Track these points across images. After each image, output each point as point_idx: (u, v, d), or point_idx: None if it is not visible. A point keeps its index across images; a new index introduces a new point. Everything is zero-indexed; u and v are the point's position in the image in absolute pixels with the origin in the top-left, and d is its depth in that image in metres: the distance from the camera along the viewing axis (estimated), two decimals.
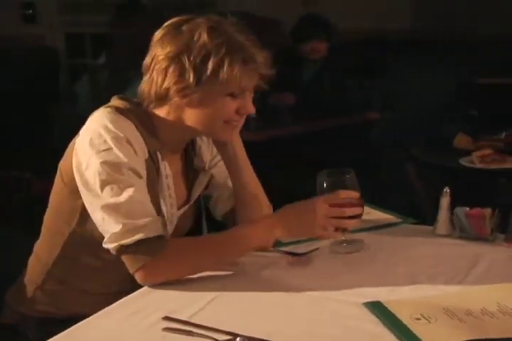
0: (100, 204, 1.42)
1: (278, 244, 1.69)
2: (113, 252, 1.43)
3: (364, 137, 3.31)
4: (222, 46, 1.44)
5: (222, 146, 1.63)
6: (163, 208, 1.55)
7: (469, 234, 1.73)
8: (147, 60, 1.54)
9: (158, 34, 1.52)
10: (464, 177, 2.41)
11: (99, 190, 1.42)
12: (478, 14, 5.79)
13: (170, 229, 1.59)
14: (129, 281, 1.45)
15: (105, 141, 1.44)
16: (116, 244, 1.41)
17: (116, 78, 3.22)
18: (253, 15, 5.90)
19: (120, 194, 1.41)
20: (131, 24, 3.23)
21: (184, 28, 1.49)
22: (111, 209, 1.41)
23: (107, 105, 1.54)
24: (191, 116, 1.51)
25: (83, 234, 1.54)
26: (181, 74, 1.46)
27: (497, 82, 5.13)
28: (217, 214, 1.74)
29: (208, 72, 1.43)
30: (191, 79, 1.44)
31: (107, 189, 1.42)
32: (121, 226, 1.40)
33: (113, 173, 1.42)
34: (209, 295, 1.42)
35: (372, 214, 1.91)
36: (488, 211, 1.72)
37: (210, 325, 1.28)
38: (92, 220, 1.48)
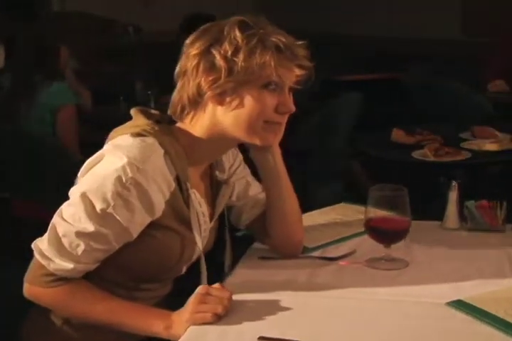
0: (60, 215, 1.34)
1: (305, 250, 1.64)
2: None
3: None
4: (254, 36, 1.36)
5: (261, 156, 1.53)
6: (197, 236, 1.44)
7: (481, 226, 1.77)
8: (177, 67, 1.43)
9: (188, 39, 1.43)
10: (417, 170, 2.47)
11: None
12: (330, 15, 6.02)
13: (198, 250, 1.49)
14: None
15: (116, 193, 1.30)
16: (37, 249, 1.36)
17: (20, 83, 2.96)
18: (92, 15, 5.72)
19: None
20: (37, 24, 2.99)
21: (214, 27, 1.41)
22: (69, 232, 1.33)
23: (132, 127, 1.40)
24: (228, 118, 1.38)
25: (115, 261, 1.40)
26: (212, 66, 1.36)
27: (358, 79, 5.34)
28: (241, 224, 1.64)
29: (240, 61, 1.34)
30: (223, 70, 1.34)
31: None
32: (56, 249, 1.33)
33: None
34: (280, 309, 1.34)
35: None
36: (495, 203, 1.78)
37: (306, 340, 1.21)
38: (127, 249, 1.38)
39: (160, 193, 1.35)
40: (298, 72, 1.40)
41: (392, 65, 5.20)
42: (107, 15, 5.55)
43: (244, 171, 1.62)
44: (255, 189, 1.63)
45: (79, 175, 1.39)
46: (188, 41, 1.42)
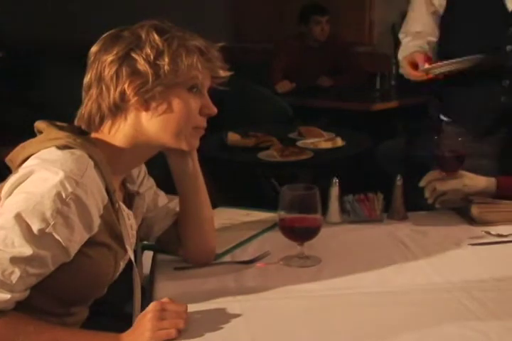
0: None
1: (216, 256, 1.63)
2: None
3: None
4: (173, 39, 1.34)
5: (181, 161, 1.49)
6: (130, 251, 1.39)
7: (362, 218, 1.88)
8: (88, 76, 1.35)
9: (94, 48, 1.36)
10: (264, 170, 2.53)
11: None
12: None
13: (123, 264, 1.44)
14: None
15: (56, 211, 1.21)
16: None
17: None
18: None
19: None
20: None
21: (124, 33, 1.36)
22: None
23: (52, 140, 1.30)
24: (154, 124, 1.34)
25: (46, 286, 1.28)
26: (136, 71, 1.31)
27: None
28: (152, 236, 1.59)
29: (166, 64, 1.31)
30: (149, 74, 1.31)
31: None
32: None
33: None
34: (234, 316, 1.32)
35: (253, 215, 1.92)
36: (372, 195, 1.90)
37: None
38: (59, 271, 1.27)
39: (96, 207, 1.28)
40: (222, 73, 1.40)
41: None
42: None
43: (150, 182, 1.58)
44: (163, 199, 1.59)
45: (2, 195, 1.26)
46: (94, 50, 1.36)
